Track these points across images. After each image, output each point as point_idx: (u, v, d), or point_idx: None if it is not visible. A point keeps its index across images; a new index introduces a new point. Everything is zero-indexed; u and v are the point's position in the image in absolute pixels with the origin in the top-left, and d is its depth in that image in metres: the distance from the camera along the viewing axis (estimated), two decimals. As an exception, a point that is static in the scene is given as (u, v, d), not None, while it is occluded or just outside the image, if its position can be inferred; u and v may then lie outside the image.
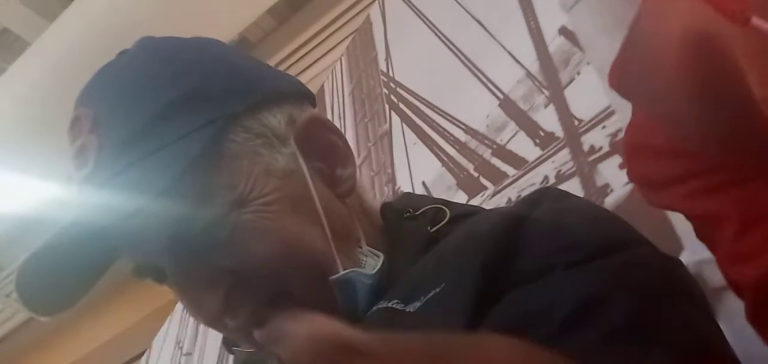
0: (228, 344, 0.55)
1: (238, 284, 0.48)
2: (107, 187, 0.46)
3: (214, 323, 0.49)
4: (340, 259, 0.49)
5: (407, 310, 0.43)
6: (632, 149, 0.52)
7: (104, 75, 0.52)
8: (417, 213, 0.55)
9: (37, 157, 1.90)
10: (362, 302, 0.49)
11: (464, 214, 0.54)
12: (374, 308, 0.47)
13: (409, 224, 0.54)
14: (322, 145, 0.53)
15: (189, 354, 1.45)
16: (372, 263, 0.51)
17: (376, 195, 1.19)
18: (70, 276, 0.48)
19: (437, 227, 0.53)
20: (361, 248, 0.52)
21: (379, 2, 1.39)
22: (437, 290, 0.43)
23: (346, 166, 0.54)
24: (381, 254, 0.51)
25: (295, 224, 0.49)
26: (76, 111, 0.51)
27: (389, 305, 0.45)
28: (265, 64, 0.66)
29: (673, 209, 0.51)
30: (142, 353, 1.66)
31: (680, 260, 0.46)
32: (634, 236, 0.45)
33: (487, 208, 0.89)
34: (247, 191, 0.48)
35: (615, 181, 0.74)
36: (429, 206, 0.55)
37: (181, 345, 1.49)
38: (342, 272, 0.49)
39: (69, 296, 0.50)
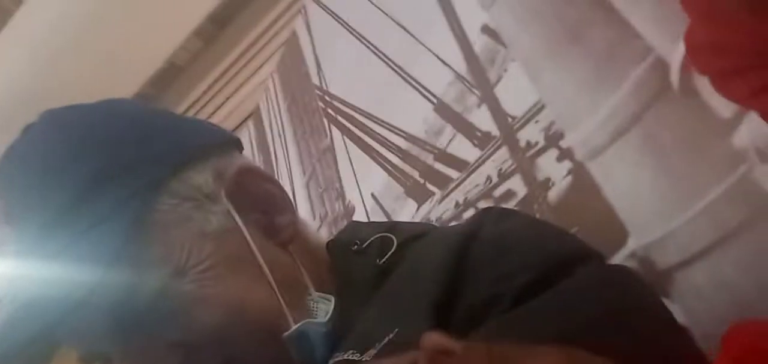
0: None
1: (189, 357, 0.46)
2: (35, 280, 0.44)
3: None
4: (290, 312, 0.48)
5: (363, 359, 0.43)
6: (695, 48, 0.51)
7: (11, 159, 0.49)
8: (364, 245, 0.54)
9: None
10: (319, 352, 0.48)
11: (412, 237, 0.54)
12: (332, 360, 0.46)
13: (358, 259, 0.53)
14: (256, 195, 0.52)
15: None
16: (324, 308, 0.50)
17: (327, 213, 1.18)
18: None
19: (385, 258, 0.52)
20: (310, 294, 0.51)
21: (302, 14, 1.37)
22: (391, 335, 0.43)
23: (284, 213, 0.53)
24: (331, 298, 0.51)
25: (239, 285, 0.47)
26: None
27: (346, 356, 0.45)
28: (180, 118, 0.64)
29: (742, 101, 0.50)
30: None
31: (628, 268, 0.47)
32: (577, 251, 0.45)
33: (435, 217, 0.89)
34: (184, 260, 0.46)
35: (555, 174, 0.75)
36: (375, 236, 0.55)
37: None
38: (294, 327, 0.48)
39: None
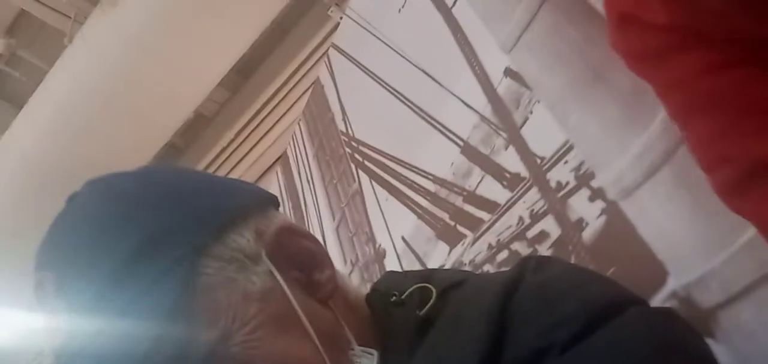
0: None
1: None
2: (87, 354, 0.45)
3: None
4: None
5: None
6: (620, 18, 0.47)
7: (59, 232, 0.51)
8: (403, 296, 0.54)
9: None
10: None
11: (451, 286, 0.54)
12: None
13: (397, 310, 0.53)
14: (295, 253, 0.52)
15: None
16: (367, 362, 0.50)
17: (358, 257, 1.18)
18: None
19: (426, 308, 0.52)
20: (352, 349, 0.51)
21: (325, 63, 1.39)
22: None
23: (323, 269, 0.53)
24: (374, 352, 0.50)
25: (283, 344, 0.48)
26: (37, 274, 0.49)
27: None
28: (218, 179, 0.65)
29: (667, 82, 0.46)
30: None
31: (671, 311, 0.46)
32: (620, 297, 0.45)
33: (468, 261, 0.89)
34: (230, 323, 0.47)
35: (588, 214, 0.74)
36: (414, 287, 0.55)
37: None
38: None
39: None
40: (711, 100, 0.44)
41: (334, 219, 1.29)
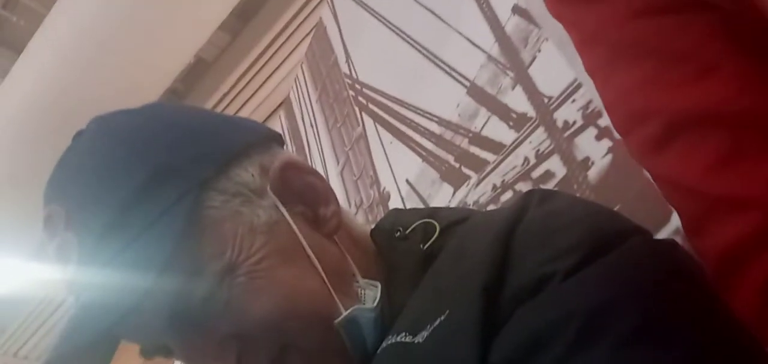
0: None
1: (246, 347, 0.48)
2: (97, 285, 0.45)
3: None
4: (340, 299, 0.49)
5: (416, 341, 0.44)
6: None
7: (66, 167, 0.51)
8: (407, 231, 0.55)
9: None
10: (370, 338, 0.50)
11: (454, 222, 0.54)
12: (384, 344, 0.47)
13: (402, 244, 0.54)
14: (301, 188, 0.53)
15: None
16: (371, 294, 0.51)
17: (362, 201, 1.18)
18: None
19: (429, 243, 0.53)
20: (357, 281, 0.52)
21: (328, 3, 1.37)
22: (442, 317, 0.43)
23: (328, 204, 0.54)
24: (378, 283, 0.51)
25: (289, 275, 0.49)
26: (46, 208, 0.50)
27: (398, 339, 0.45)
28: (222, 117, 0.65)
29: (591, 29, 0.43)
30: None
31: (674, 241, 0.47)
32: (623, 227, 0.45)
33: (472, 202, 0.89)
34: (236, 255, 0.47)
35: (594, 153, 0.74)
36: (418, 222, 0.55)
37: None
38: (344, 314, 0.49)
39: None
40: (634, 49, 0.41)
41: (338, 163, 1.29)
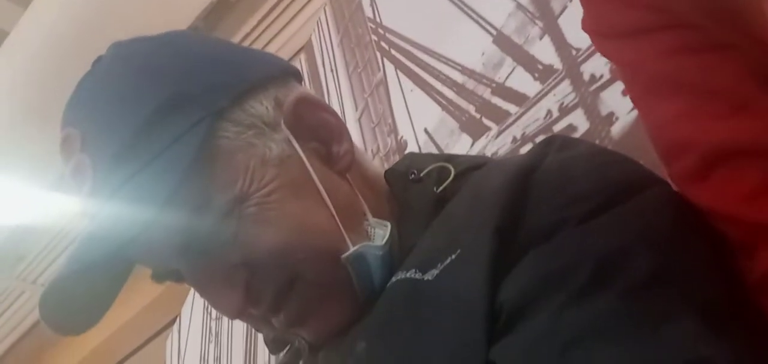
0: (257, 328, 0.56)
1: (254, 276, 0.48)
2: (109, 206, 0.46)
3: (237, 316, 0.50)
4: (349, 235, 0.49)
5: (426, 278, 0.44)
6: None
7: (85, 90, 0.52)
8: (421, 174, 0.55)
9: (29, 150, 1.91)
10: (377, 275, 0.50)
11: (469, 167, 0.54)
12: (393, 279, 0.47)
13: (415, 186, 0.54)
14: (314, 125, 0.53)
15: (219, 319, 1.48)
16: (381, 233, 0.51)
17: (379, 148, 1.18)
18: (91, 295, 0.49)
19: (443, 186, 0.52)
20: (367, 220, 0.52)
21: (355, -55, 1.34)
22: (453, 256, 0.43)
23: (341, 142, 0.54)
24: (388, 223, 0.52)
25: (299, 209, 0.49)
26: (63, 130, 0.51)
27: (407, 275, 0.45)
28: (240, 48, 0.65)
29: (630, 64, 0.46)
30: (173, 322, 1.70)
31: None
32: (643, 177, 0.45)
33: (490, 153, 0.88)
34: (247, 186, 0.48)
35: (619, 108, 0.73)
36: (433, 166, 0.55)
37: (210, 310, 1.52)
38: (352, 249, 0.49)
39: (95, 312, 0.51)
40: (671, 83, 0.43)
41: (356, 109, 1.28)
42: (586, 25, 0.49)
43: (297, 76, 0.57)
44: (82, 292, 0.48)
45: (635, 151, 0.71)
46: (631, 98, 0.49)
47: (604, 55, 0.51)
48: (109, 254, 0.46)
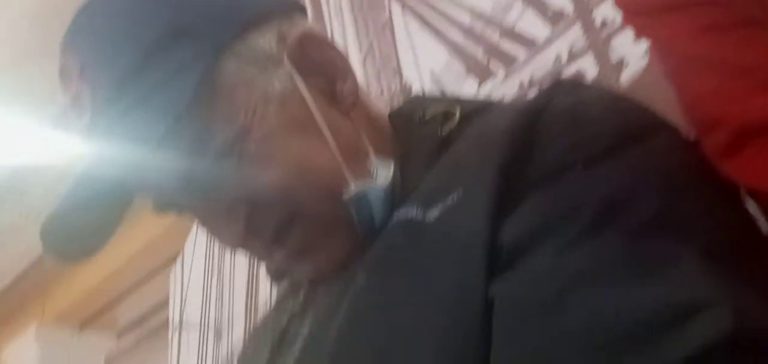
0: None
1: (254, 212, 0.48)
2: (108, 136, 0.46)
3: (238, 247, 0.51)
4: (351, 175, 0.49)
5: (426, 219, 0.44)
6: None
7: (84, 19, 0.51)
8: (427, 116, 0.54)
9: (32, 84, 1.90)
10: (378, 215, 0.50)
11: (475, 110, 0.54)
12: (394, 219, 0.47)
13: (420, 129, 0.54)
14: (319, 61, 0.52)
15: (222, 255, 1.50)
16: (383, 173, 0.51)
17: (383, 91, 1.17)
18: (92, 224, 0.50)
19: (448, 129, 0.52)
20: (370, 160, 0.52)
21: None
22: (455, 196, 0.43)
23: (345, 80, 0.53)
24: (391, 164, 0.51)
25: (301, 147, 0.49)
26: (62, 58, 0.50)
27: (408, 214, 0.46)
28: None
29: (662, 41, 0.47)
30: (176, 257, 1.72)
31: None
32: (652, 121, 0.45)
33: (497, 97, 0.88)
34: (248, 121, 0.47)
35: (630, 55, 0.72)
36: (438, 108, 0.55)
37: (212, 247, 1.53)
38: (354, 189, 0.49)
39: (96, 240, 0.51)
40: (703, 61, 0.44)
41: (361, 50, 1.26)
42: (620, 1, 0.49)
43: (301, 10, 0.56)
44: (83, 221, 0.48)
45: (643, 98, 0.70)
46: (665, 74, 0.49)
47: (638, 31, 0.51)
48: (108, 185, 0.46)
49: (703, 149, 0.46)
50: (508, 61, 0.89)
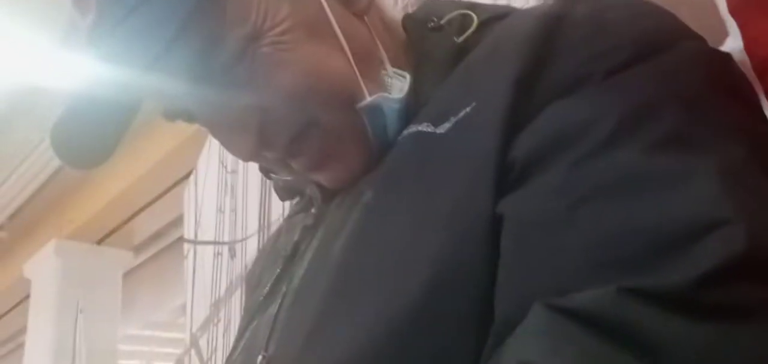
0: (265, 171, 0.57)
1: (268, 119, 0.48)
2: (116, 36, 0.44)
3: (251, 159, 0.50)
4: (366, 84, 0.48)
5: (437, 132, 0.43)
6: None
7: None
8: (442, 22, 0.53)
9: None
10: (392, 127, 0.49)
11: (494, 17, 0.52)
12: (405, 132, 0.46)
13: (434, 35, 0.52)
14: None
15: (234, 172, 1.50)
16: (398, 85, 0.50)
17: (397, 2, 1.13)
18: (102, 128, 0.48)
19: (465, 35, 0.50)
20: (385, 69, 0.50)
21: None
22: (468, 109, 0.42)
23: None
24: (407, 75, 0.50)
25: (315, 52, 0.47)
26: None
27: (419, 128, 0.45)
28: None
29: None
30: (189, 174, 1.73)
31: (728, 54, 0.44)
32: (677, 31, 0.42)
33: (517, 6, 0.84)
34: (260, 22, 0.46)
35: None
36: (454, 13, 0.53)
37: (224, 164, 1.54)
38: (369, 99, 0.48)
39: (105, 145, 0.50)
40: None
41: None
42: None
43: None
44: (93, 126, 0.47)
45: (672, 7, 0.67)
46: (729, 9, 0.47)
47: None
48: (115, 89, 0.45)
49: (766, 86, 0.44)
50: (530, -32, 0.85)
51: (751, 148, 0.36)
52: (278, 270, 0.53)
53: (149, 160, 2.39)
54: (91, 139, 0.48)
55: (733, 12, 0.47)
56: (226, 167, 1.54)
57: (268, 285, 0.53)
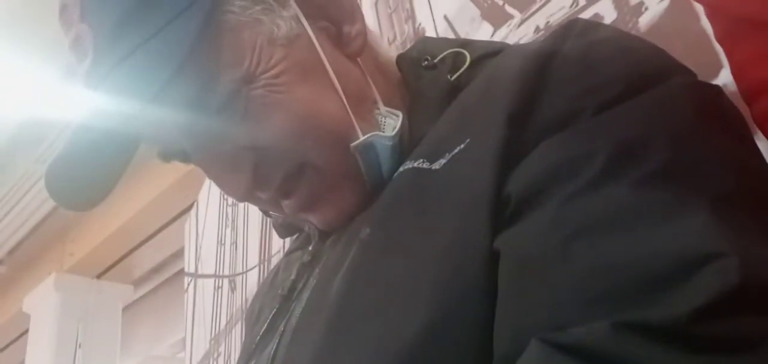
0: (264, 210, 0.57)
1: (262, 161, 0.48)
2: (110, 80, 0.44)
3: (245, 199, 0.50)
4: (358, 123, 0.48)
5: (433, 168, 0.43)
6: None
7: None
8: (435, 60, 0.53)
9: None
10: (386, 165, 0.49)
11: (486, 54, 0.52)
12: (401, 169, 0.46)
13: (428, 74, 0.52)
14: (325, 2, 0.51)
15: (235, 205, 1.50)
16: (391, 123, 0.50)
17: (396, 36, 1.14)
18: (97, 171, 0.48)
19: (458, 73, 0.51)
20: (378, 109, 0.51)
21: None
22: (462, 145, 0.42)
23: (353, 23, 0.52)
24: (399, 113, 0.50)
25: (308, 93, 0.47)
26: None
27: (414, 165, 0.45)
28: None
29: (709, 4, 0.46)
30: (189, 207, 1.73)
31: (718, 87, 0.44)
32: (667, 66, 0.43)
33: (511, 42, 0.85)
34: (254, 65, 0.46)
35: (651, -2, 0.69)
36: (447, 52, 0.53)
37: (225, 196, 1.54)
38: (361, 138, 0.48)
39: (101, 188, 0.50)
40: (750, 23, 0.42)
41: (372, -6, 1.24)
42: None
43: None
44: (88, 168, 0.47)
45: (661, 42, 0.68)
46: (716, 38, 0.47)
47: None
48: (111, 131, 0.45)
49: (753, 116, 0.44)
50: (525, 4, 0.86)
51: (742, 180, 0.36)
52: (276, 307, 0.53)
53: (150, 193, 2.39)
54: (85, 182, 0.48)
55: (720, 40, 0.47)
56: (227, 200, 1.54)
57: (266, 323, 0.52)
